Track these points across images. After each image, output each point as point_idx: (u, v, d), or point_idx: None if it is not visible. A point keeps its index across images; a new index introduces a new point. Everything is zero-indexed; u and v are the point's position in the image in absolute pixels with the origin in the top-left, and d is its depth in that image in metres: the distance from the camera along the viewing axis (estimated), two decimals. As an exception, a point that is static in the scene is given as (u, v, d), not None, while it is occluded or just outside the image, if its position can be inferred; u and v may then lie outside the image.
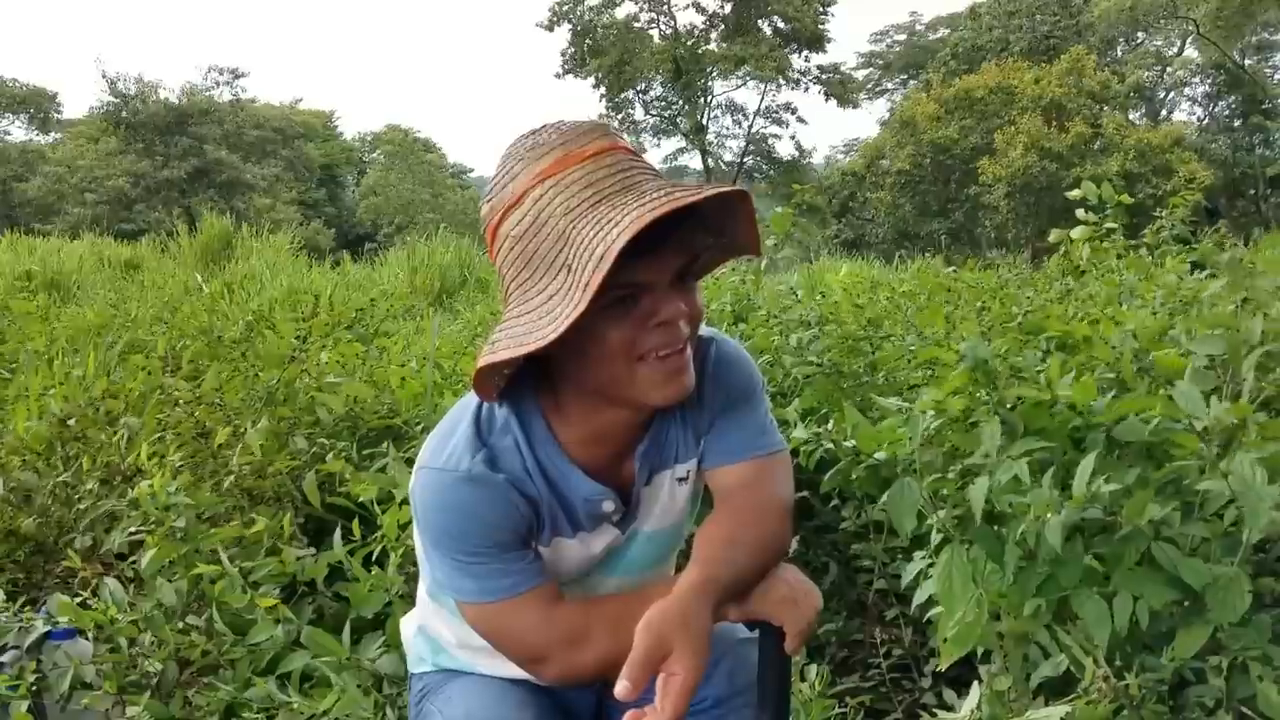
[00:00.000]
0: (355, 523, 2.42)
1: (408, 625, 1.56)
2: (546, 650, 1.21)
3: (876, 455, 1.96)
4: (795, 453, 2.05)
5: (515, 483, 1.21)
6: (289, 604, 2.34)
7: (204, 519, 2.49)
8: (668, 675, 1.02)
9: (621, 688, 1.00)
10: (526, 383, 1.21)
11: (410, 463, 2.67)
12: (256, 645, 2.12)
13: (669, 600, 1.07)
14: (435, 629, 1.44)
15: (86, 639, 2.19)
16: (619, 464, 1.28)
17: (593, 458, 1.25)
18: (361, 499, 2.51)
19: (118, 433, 3.04)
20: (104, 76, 37.76)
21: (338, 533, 2.31)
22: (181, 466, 2.73)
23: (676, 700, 1.01)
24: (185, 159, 37.74)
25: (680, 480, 1.34)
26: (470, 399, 1.26)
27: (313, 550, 2.50)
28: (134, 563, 2.46)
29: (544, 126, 1.16)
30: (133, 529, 2.46)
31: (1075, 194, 3.63)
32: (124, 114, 37.83)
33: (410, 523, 2.39)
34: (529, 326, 1.09)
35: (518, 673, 1.36)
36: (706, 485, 1.37)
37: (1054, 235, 3.98)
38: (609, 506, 1.27)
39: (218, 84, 40.25)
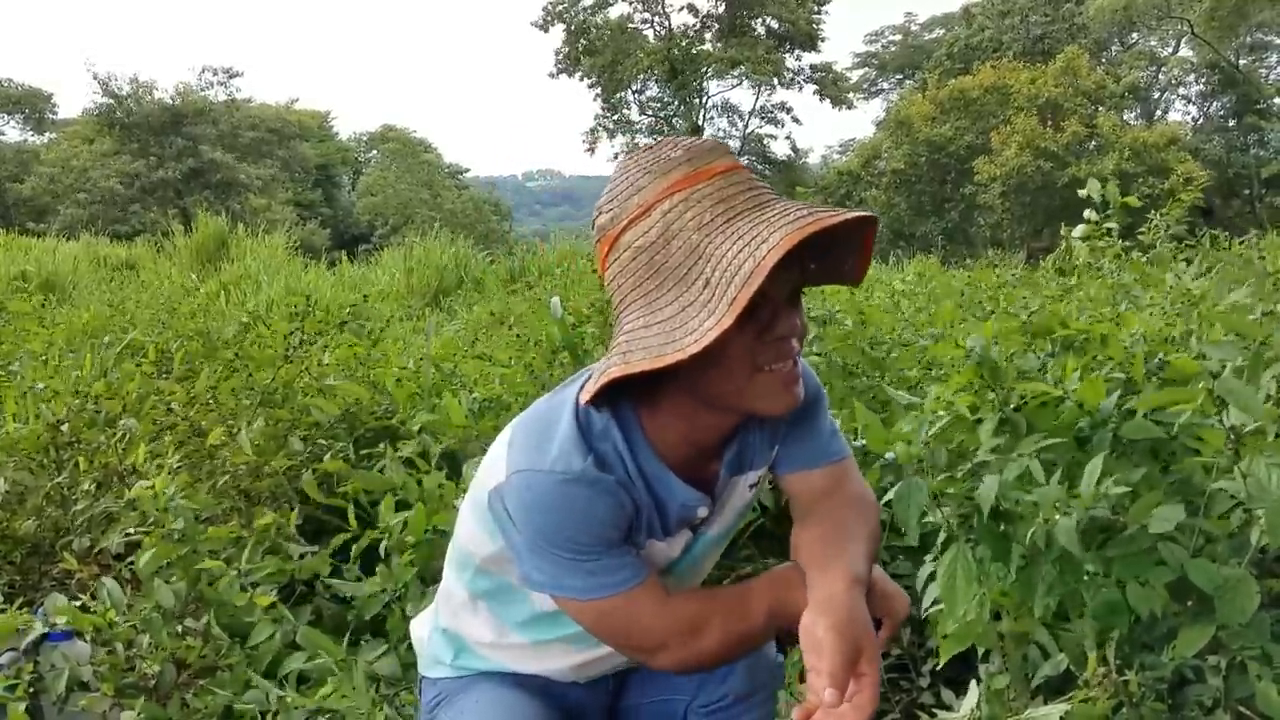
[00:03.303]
0: (354, 521, 2.42)
1: (420, 625, 1.55)
2: (666, 639, 1.22)
3: (887, 455, 1.96)
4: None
5: (622, 484, 1.22)
6: (286, 606, 2.34)
7: (201, 520, 2.49)
8: (859, 675, 1.07)
9: (831, 695, 1.05)
10: (621, 388, 1.21)
11: (409, 463, 2.68)
12: (254, 648, 2.11)
13: (842, 604, 1.12)
14: (466, 629, 1.44)
15: (84, 640, 2.18)
16: (704, 468, 1.30)
17: (681, 462, 1.27)
18: (357, 499, 2.51)
19: (115, 434, 3.03)
20: (95, 78, 37.46)
21: (317, 545, 2.30)
22: (179, 467, 2.72)
23: (874, 695, 1.06)
24: (180, 159, 37.61)
25: (751, 486, 1.37)
26: (558, 402, 1.26)
27: (312, 548, 2.49)
28: (131, 563, 2.46)
29: (662, 142, 1.19)
30: (130, 529, 2.45)
31: (1086, 191, 3.65)
32: (118, 114, 37.69)
33: (405, 524, 2.40)
34: (663, 338, 1.09)
35: (550, 666, 1.39)
36: (779, 490, 1.39)
37: (1062, 232, 4.00)
38: (703, 512, 1.30)
39: (212, 84, 40.14)
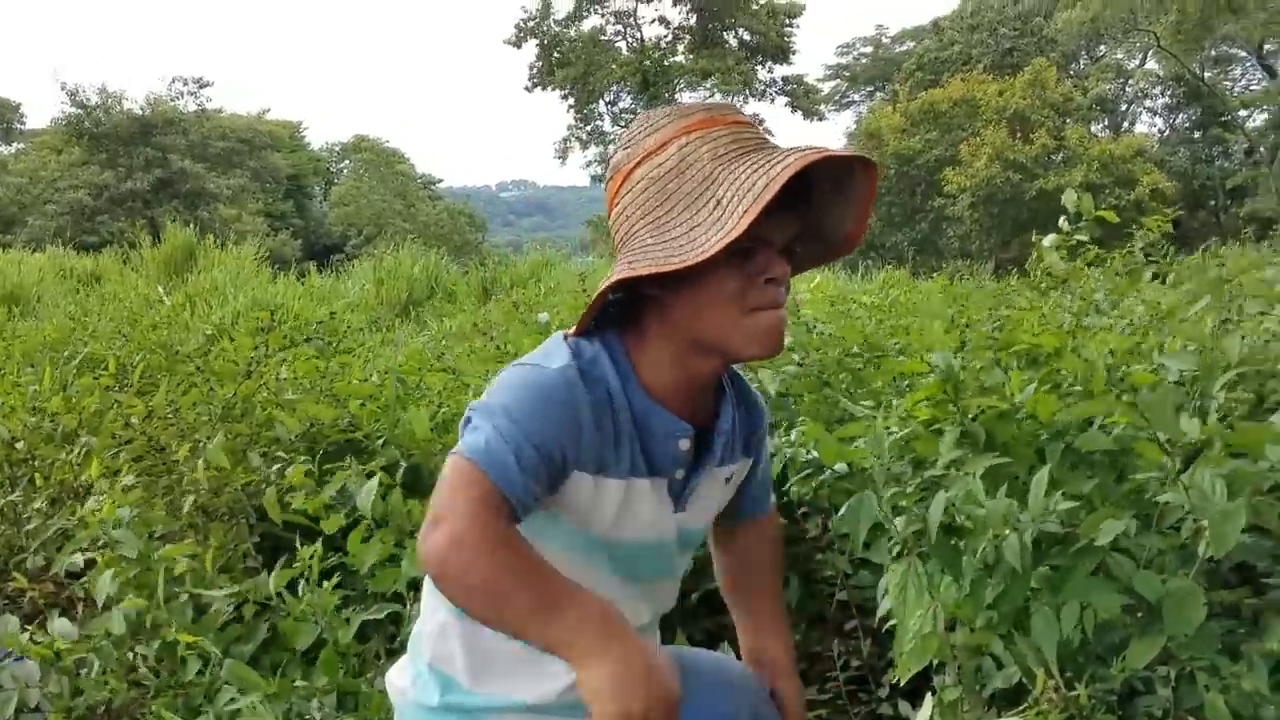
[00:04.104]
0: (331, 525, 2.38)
1: (400, 675, 1.43)
2: (460, 525, 1.09)
3: (838, 467, 1.97)
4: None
5: (600, 404, 1.21)
6: (243, 623, 2.30)
7: (157, 537, 2.45)
8: None
9: None
10: (611, 331, 1.26)
11: (371, 475, 2.66)
12: (188, 682, 2.06)
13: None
14: (449, 655, 1.35)
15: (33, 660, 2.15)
16: (691, 419, 1.30)
17: (673, 407, 1.28)
18: (317, 515, 2.48)
19: (72, 450, 2.99)
20: (63, 88, 37.14)
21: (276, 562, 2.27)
22: (134, 484, 2.68)
23: None
24: (149, 170, 37.22)
25: (726, 480, 1.39)
26: (553, 341, 1.27)
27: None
28: (85, 582, 2.42)
29: (683, 103, 1.27)
30: (83, 547, 2.41)
31: (1064, 201, 3.69)
32: (87, 124, 37.31)
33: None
34: (669, 251, 1.13)
35: (544, 688, 1.32)
36: (725, 533, 1.54)
37: (1035, 239, 4.03)
38: (685, 445, 1.28)
39: (182, 94, 39.83)
